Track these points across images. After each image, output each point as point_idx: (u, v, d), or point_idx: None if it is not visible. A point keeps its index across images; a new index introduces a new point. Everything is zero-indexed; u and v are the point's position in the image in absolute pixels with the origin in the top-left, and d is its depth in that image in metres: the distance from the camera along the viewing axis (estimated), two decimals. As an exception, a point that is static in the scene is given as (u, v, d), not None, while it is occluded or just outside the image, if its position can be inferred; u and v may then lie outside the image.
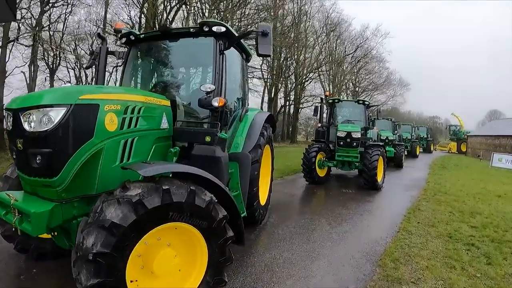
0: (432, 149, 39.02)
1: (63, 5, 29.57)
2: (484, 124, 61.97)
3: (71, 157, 3.11)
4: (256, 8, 27.45)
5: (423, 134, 37.26)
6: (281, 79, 42.43)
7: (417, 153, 28.93)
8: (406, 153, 28.05)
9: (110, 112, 3.44)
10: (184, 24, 22.89)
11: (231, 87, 6.36)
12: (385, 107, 64.54)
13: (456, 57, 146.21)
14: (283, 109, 48.27)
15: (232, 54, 5.76)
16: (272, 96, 43.30)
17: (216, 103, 4.31)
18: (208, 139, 4.31)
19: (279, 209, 8.11)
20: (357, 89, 60.21)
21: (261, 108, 42.56)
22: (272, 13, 30.85)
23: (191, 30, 5.05)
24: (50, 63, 33.01)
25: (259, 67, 39.63)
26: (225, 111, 5.01)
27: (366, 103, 13.32)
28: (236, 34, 4.98)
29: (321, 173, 12.35)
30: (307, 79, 47.17)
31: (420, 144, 34.66)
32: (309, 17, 45.65)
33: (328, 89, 50.55)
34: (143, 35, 5.40)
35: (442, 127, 74.35)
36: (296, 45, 40.61)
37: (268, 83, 42.46)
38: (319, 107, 13.50)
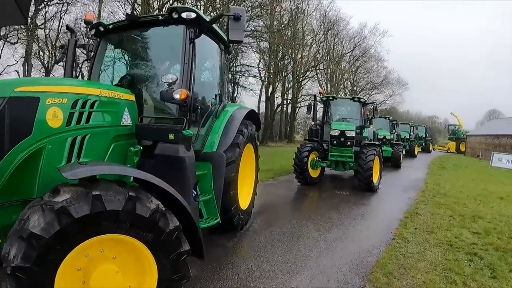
0: (431, 149, 38.41)
1: (58, 3, 29.10)
2: (483, 124, 61.34)
3: (5, 156, 2.76)
4: (252, 5, 26.89)
5: (422, 134, 36.68)
6: (278, 77, 41.96)
7: (416, 153, 28.31)
8: (404, 152, 27.65)
9: (53, 106, 3.07)
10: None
11: (206, 81, 5.81)
12: (383, 107, 64.10)
13: (456, 57, 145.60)
14: (279, 108, 47.70)
15: (209, 45, 5.27)
16: (269, 95, 42.72)
17: (177, 95, 3.77)
18: (171, 136, 3.79)
19: (266, 213, 7.53)
20: (355, 88, 59.75)
21: (258, 108, 42.37)
22: (269, 11, 30.36)
23: (160, 17, 4.57)
24: (45, 62, 32.51)
25: (256, 66, 39.36)
26: (194, 106, 4.48)
27: (362, 100, 12.69)
28: (207, 19, 4.41)
29: (314, 173, 11.77)
30: (304, 77, 46.67)
31: (419, 143, 34.10)
32: (306, 15, 45.28)
33: (325, 88, 49.89)
34: (111, 26, 4.87)
35: (441, 127, 73.65)
36: (293, 43, 40.19)
37: (265, 82, 41.93)
38: (312, 105, 12.97)
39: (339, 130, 11.17)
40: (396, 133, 23.70)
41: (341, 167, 11.77)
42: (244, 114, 5.74)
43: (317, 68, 48.14)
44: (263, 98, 43.37)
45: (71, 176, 2.45)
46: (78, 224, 2.35)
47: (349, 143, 11.09)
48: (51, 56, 31.89)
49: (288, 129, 48.79)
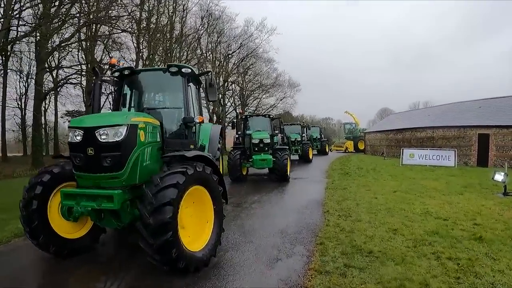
0: (327, 150, 33.99)
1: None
2: (377, 123, 60.35)
3: None
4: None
5: (316, 135, 32.05)
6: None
7: (311, 157, 23.01)
8: (298, 157, 23.38)
9: None
10: None
11: None
12: (276, 111, 59.81)
13: (348, 61, 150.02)
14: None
15: None
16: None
17: None
18: None
19: None
20: (244, 92, 54.46)
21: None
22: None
23: None
24: None
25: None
26: None
27: (187, 71, 5.80)
28: None
29: (70, 231, 4.80)
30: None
31: (314, 145, 29.26)
32: (185, 11, 38.42)
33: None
34: None
35: (335, 128, 72.40)
36: (167, 42, 33.26)
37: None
38: (95, 87, 6.03)
39: (80, 129, 4.20)
40: (281, 135, 17.87)
41: (93, 216, 4.69)
42: None
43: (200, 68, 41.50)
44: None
45: None
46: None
47: (109, 160, 4.14)
48: None
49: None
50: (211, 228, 4.61)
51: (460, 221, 6.55)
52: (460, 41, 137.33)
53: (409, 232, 5.75)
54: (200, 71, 6.47)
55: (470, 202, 8.54)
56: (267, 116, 15.94)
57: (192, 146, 5.52)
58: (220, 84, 47.62)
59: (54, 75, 29.08)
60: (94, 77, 6.42)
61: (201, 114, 7.24)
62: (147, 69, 7.06)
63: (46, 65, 24.39)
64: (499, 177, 9.83)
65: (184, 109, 5.82)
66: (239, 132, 14.81)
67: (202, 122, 6.06)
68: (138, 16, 28.12)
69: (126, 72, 6.05)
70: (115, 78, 6.32)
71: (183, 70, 5.82)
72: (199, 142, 6.45)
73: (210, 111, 44.26)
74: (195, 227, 4.48)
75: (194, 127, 5.89)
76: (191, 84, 6.15)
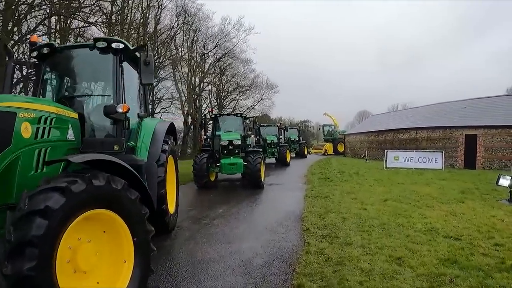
0: (306, 153, 32.63)
1: None
2: (354, 126, 59.66)
3: None
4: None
5: (294, 137, 30.74)
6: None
7: (288, 160, 21.58)
8: (274, 160, 21.82)
9: None
10: None
11: None
12: (253, 113, 58.36)
13: (332, 63, 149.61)
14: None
15: None
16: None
17: None
18: None
19: None
20: (221, 93, 52.77)
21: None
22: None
23: None
24: None
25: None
26: None
27: (118, 46, 4.30)
28: None
29: None
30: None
31: (292, 148, 27.87)
32: (160, 8, 36.41)
33: (183, 91, 41.46)
34: None
35: (313, 130, 71.30)
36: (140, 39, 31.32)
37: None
38: (6, 70, 4.64)
39: None
40: (257, 137, 16.48)
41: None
42: None
43: (174, 69, 39.53)
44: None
45: None
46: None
47: None
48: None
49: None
50: (131, 271, 2.99)
51: (477, 240, 5.16)
52: (452, 42, 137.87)
53: (418, 261, 4.28)
54: (134, 46, 4.82)
55: (477, 212, 7.21)
56: (239, 115, 14.35)
57: (116, 147, 3.90)
58: (196, 85, 45.92)
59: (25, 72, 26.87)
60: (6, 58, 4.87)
61: (146, 106, 5.69)
62: (70, 46, 5.43)
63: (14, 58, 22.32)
64: (505, 182, 8.56)
65: (113, 97, 4.25)
66: (207, 133, 13.23)
67: (128, 112, 4.32)
68: (110, 9, 26.24)
69: (45, 51, 4.47)
70: (33, 59, 4.75)
71: (113, 45, 4.30)
72: (137, 141, 4.83)
73: (185, 112, 42.58)
74: (106, 269, 2.89)
75: (126, 122, 4.27)
76: (124, 64, 4.55)
